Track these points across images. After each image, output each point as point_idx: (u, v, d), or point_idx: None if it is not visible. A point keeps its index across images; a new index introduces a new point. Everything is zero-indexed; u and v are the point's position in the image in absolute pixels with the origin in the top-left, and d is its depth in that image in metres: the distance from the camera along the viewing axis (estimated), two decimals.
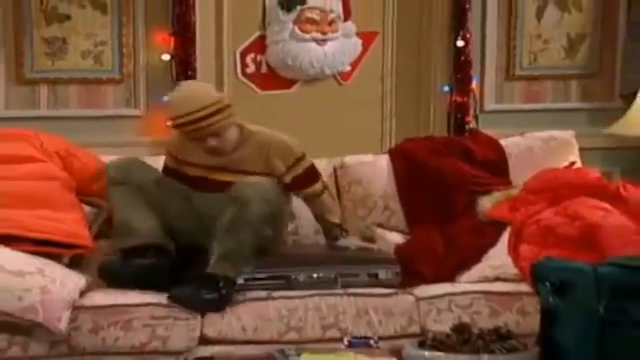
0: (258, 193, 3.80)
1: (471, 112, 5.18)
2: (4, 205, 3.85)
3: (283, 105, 5.18)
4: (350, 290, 3.84)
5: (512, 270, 3.91)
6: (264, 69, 5.20)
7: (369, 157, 4.54)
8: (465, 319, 3.70)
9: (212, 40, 5.09)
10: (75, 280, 3.70)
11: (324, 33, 5.14)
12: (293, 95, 5.24)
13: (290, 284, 3.86)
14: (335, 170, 4.51)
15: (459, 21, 5.14)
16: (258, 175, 3.95)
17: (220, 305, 3.73)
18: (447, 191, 4.40)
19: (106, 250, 3.99)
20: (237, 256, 3.77)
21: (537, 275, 3.43)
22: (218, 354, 3.58)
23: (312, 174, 4.12)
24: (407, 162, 4.48)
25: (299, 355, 3.28)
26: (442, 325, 3.68)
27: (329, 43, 5.16)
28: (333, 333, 3.73)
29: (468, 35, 5.14)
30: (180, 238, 3.98)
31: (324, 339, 3.71)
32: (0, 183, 3.93)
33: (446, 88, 5.20)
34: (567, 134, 4.67)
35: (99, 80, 4.99)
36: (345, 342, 3.46)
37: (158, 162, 4.23)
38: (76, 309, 3.61)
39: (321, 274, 3.89)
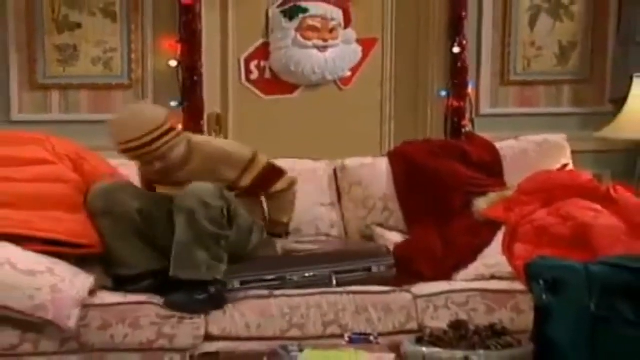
0: (196, 198, 3.70)
1: (467, 116, 5.23)
2: (16, 206, 3.85)
3: (286, 110, 5.22)
4: (350, 288, 3.84)
5: (506, 268, 3.92)
6: (267, 75, 5.24)
7: (368, 160, 4.54)
8: (462, 316, 3.72)
9: (217, 47, 5.15)
10: (84, 280, 3.70)
11: (325, 40, 5.19)
12: (295, 100, 5.28)
13: (285, 285, 3.87)
14: (336, 172, 4.52)
15: (455, 29, 5.20)
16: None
17: (213, 304, 3.72)
18: (444, 192, 4.40)
19: (98, 277, 3.84)
20: (195, 259, 3.70)
21: (530, 273, 3.47)
22: (223, 349, 3.60)
23: (271, 172, 4.04)
24: (405, 164, 4.48)
25: (301, 351, 3.29)
26: (439, 322, 3.69)
27: (330, 50, 5.21)
28: (334, 330, 3.74)
29: (464, 42, 5.19)
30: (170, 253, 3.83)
31: (325, 336, 3.73)
32: (12, 184, 3.93)
33: (443, 93, 5.25)
34: (560, 138, 4.66)
35: (108, 85, 5.07)
36: (346, 339, 3.49)
37: None
38: (85, 307, 3.62)
39: (315, 273, 3.91)
